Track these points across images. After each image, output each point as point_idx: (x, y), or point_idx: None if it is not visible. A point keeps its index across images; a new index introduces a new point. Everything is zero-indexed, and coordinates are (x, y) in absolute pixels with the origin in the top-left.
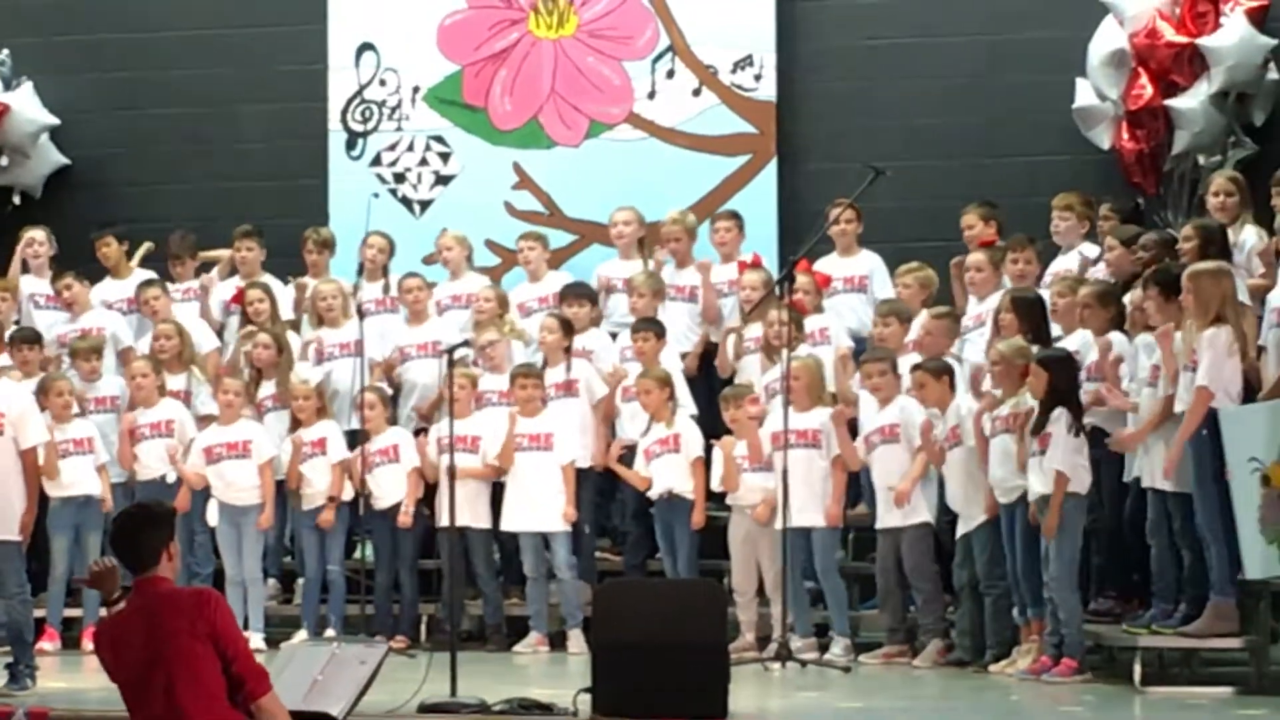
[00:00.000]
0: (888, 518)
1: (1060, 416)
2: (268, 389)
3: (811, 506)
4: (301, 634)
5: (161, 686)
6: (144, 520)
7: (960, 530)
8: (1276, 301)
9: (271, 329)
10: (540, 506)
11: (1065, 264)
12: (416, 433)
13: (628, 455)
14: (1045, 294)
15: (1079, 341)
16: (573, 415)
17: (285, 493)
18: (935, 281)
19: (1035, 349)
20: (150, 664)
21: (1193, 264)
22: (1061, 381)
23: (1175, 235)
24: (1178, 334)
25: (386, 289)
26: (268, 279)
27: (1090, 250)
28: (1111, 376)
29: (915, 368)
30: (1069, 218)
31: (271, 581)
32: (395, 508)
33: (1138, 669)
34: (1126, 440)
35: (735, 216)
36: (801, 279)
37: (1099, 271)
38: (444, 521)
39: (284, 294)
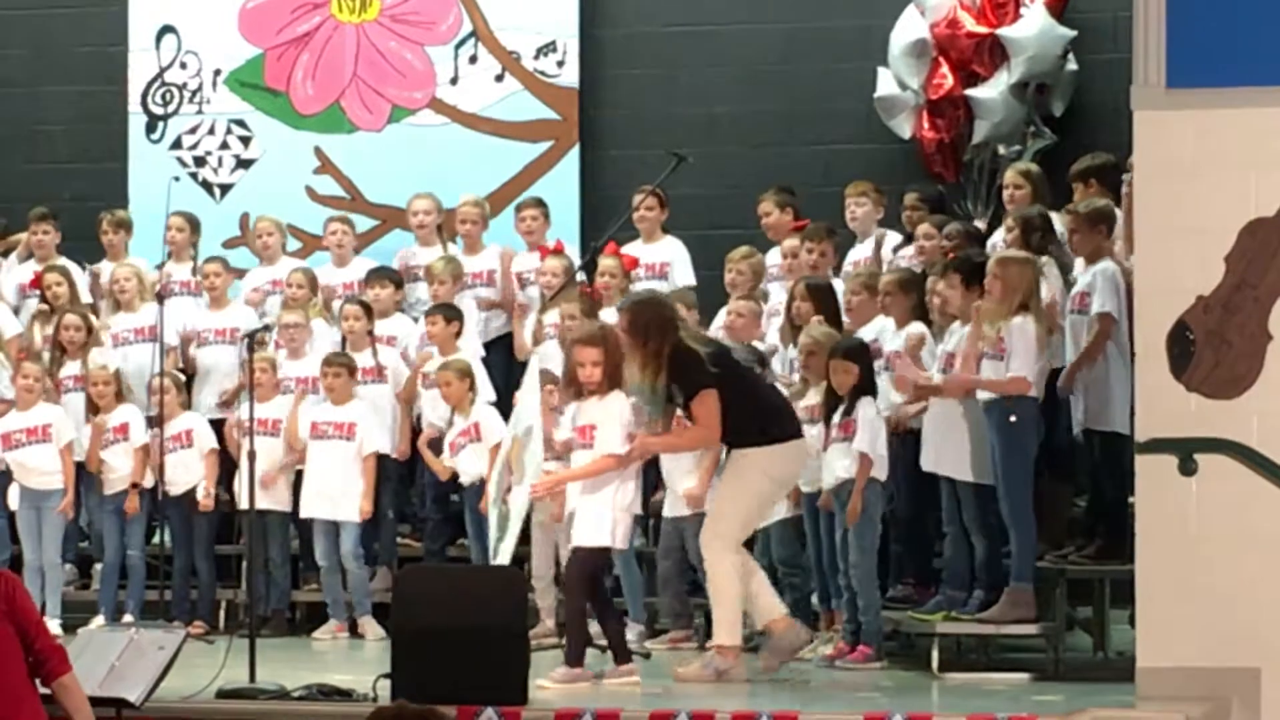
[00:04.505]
0: (677, 505)
1: (868, 402)
2: (71, 369)
3: None
4: (99, 620)
5: None
6: None
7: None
8: (1076, 288)
9: (78, 309)
10: (336, 495)
11: (863, 252)
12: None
13: (434, 441)
14: (840, 285)
15: (875, 330)
16: (382, 403)
17: (82, 477)
18: (765, 269)
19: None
20: None
21: (1001, 251)
22: (868, 372)
23: (978, 225)
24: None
25: (195, 271)
26: (64, 262)
27: (893, 238)
28: (915, 361)
29: None
30: (865, 203)
31: (69, 567)
32: (189, 493)
33: (935, 655)
34: (943, 386)
35: (541, 204)
36: (608, 263)
37: (903, 259)
38: (245, 505)
39: (82, 278)
